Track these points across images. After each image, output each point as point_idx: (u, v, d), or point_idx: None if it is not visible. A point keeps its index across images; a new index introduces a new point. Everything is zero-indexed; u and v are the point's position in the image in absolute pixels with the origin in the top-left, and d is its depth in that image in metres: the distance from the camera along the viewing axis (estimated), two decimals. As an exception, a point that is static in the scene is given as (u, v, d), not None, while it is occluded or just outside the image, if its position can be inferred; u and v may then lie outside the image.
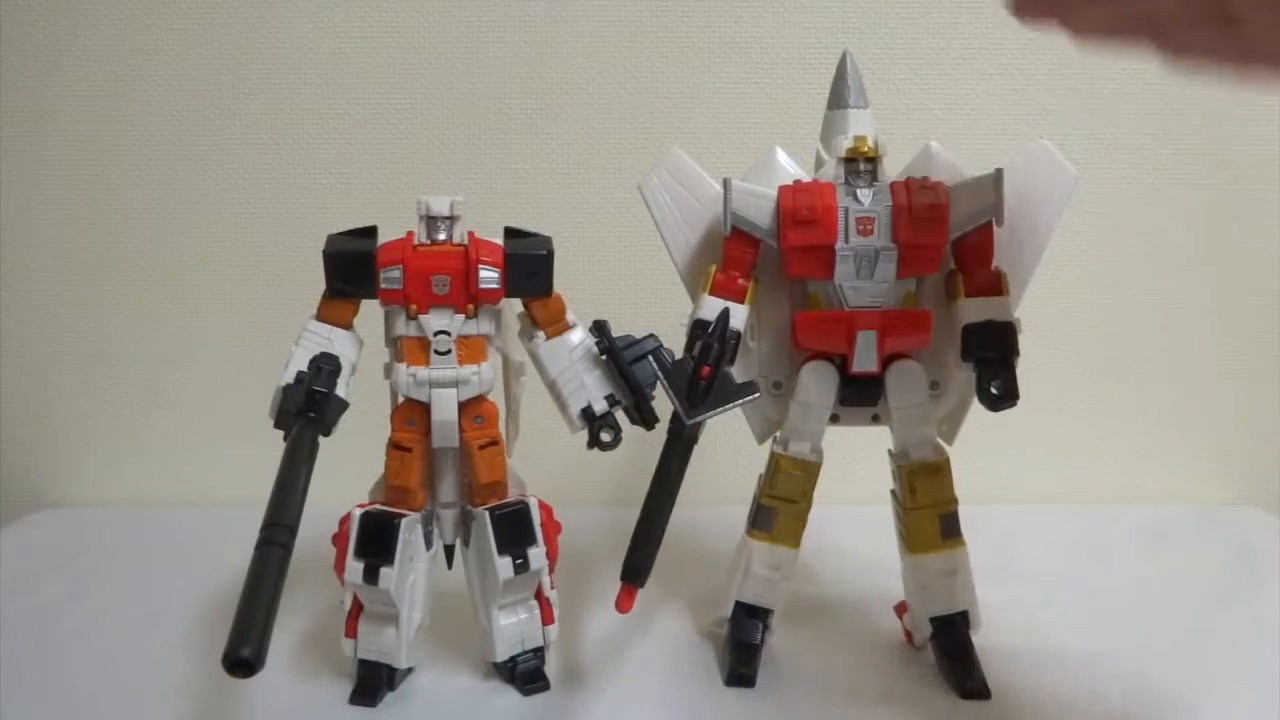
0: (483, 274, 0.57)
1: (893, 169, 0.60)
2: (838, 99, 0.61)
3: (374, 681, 0.59)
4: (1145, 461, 0.95)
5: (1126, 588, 0.75)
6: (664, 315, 0.61)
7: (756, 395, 0.57)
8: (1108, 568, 0.79)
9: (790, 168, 0.62)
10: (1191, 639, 0.66)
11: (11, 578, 0.77)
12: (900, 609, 0.65)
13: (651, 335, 0.59)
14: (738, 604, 0.62)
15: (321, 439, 0.52)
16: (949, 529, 0.60)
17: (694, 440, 0.56)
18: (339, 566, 0.58)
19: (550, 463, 0.65)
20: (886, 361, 0.59)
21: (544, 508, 0.61)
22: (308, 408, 0.53)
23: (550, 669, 0.62)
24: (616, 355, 0.58)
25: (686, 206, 0.62)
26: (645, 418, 0.60)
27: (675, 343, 0.59)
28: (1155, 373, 0.94)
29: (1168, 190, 0.91)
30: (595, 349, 0.59)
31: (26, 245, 0.92)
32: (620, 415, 0.60)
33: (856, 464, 0.64)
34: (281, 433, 0.52)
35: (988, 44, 0.88)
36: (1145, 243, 0.92)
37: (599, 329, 0.59)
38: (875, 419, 0.62)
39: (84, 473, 0.97)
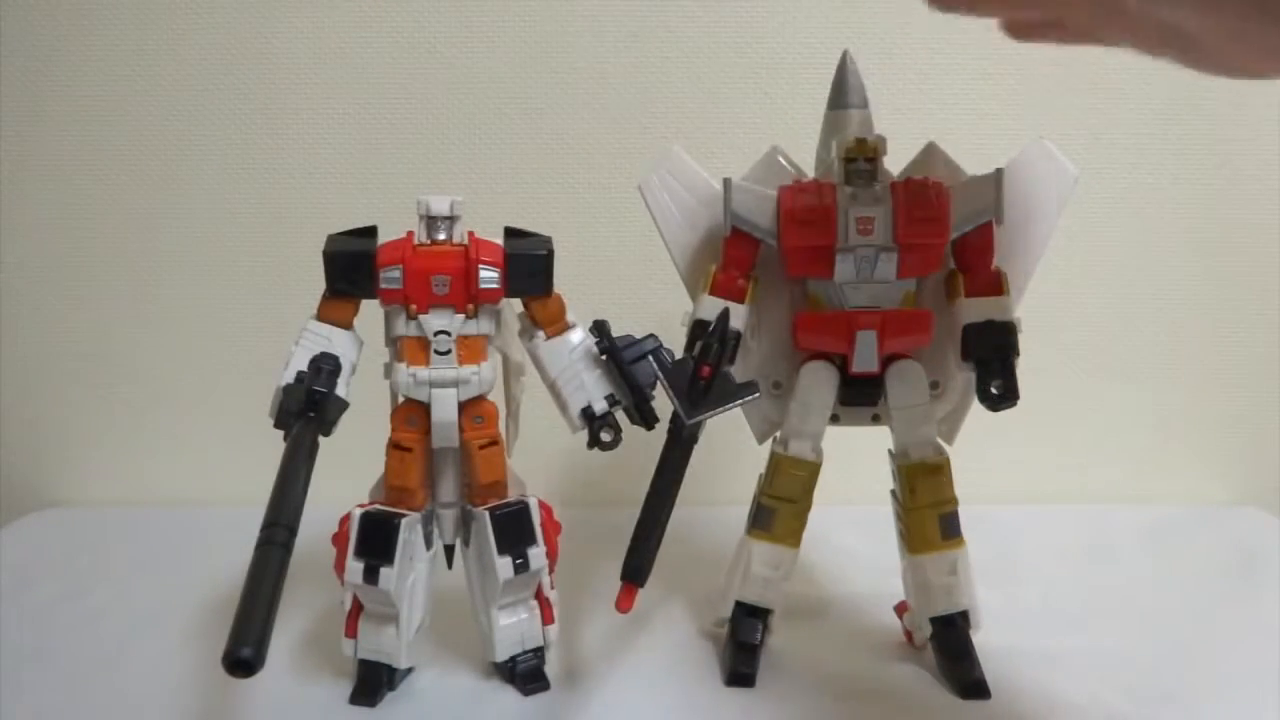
0: (483, 274, 0.57)
1: (893, 168, 0.60)
2: (838, 99, 0.61)
3: (374, 681, 0.59)
4: (1145, 461, 0.95)
5: (1126, 588, 0.75)
6: (664, 315, 0.61)
7: (757, 395, 0.57)
8: (1108, 568, 0.79)
9: (790, 168, 0.62)
10: (1191, 639, 0.66)
11: (11, 578, 0.77)
12: (900, 609, 0.65)
13: (651, 335, 0.59)
14: (738, 604, 0.62)
15: (321, 439, 0.52)
16: (949, 529, 0.60)
17: (694, 440, 0.56)
18: (339, 566, 0.58)
19: (550, 463, 0.65)
20: (887, 361, 0.59)
21: (544, 508, 0.61)
22: (308, 407, 0.53)
23: (550, 669, 0.62)
24: (616, 355, 0.58)
25: (686, 206, 0.62)
26: (645, 418, 0.60)
27: (675, 343, 0.59)
28: (1155, 372, 0.94)
29: (1168, 190, 0.91)
30: (595, 349, 0.59)
31: (26, 245, 0.92)
32: (620, 415, 0.60)
33: (856, 464, 0.64)
34: (281, 433, 0.52)
35: (988, 43, 0.87)
36: (1145, 242, 0.92)
37: (599, 329, 0.59)
38: (875, 419, 0.62)
39: (84, 473, 0.97)
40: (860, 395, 0.60)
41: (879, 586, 0.68)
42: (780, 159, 0.62)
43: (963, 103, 0.88)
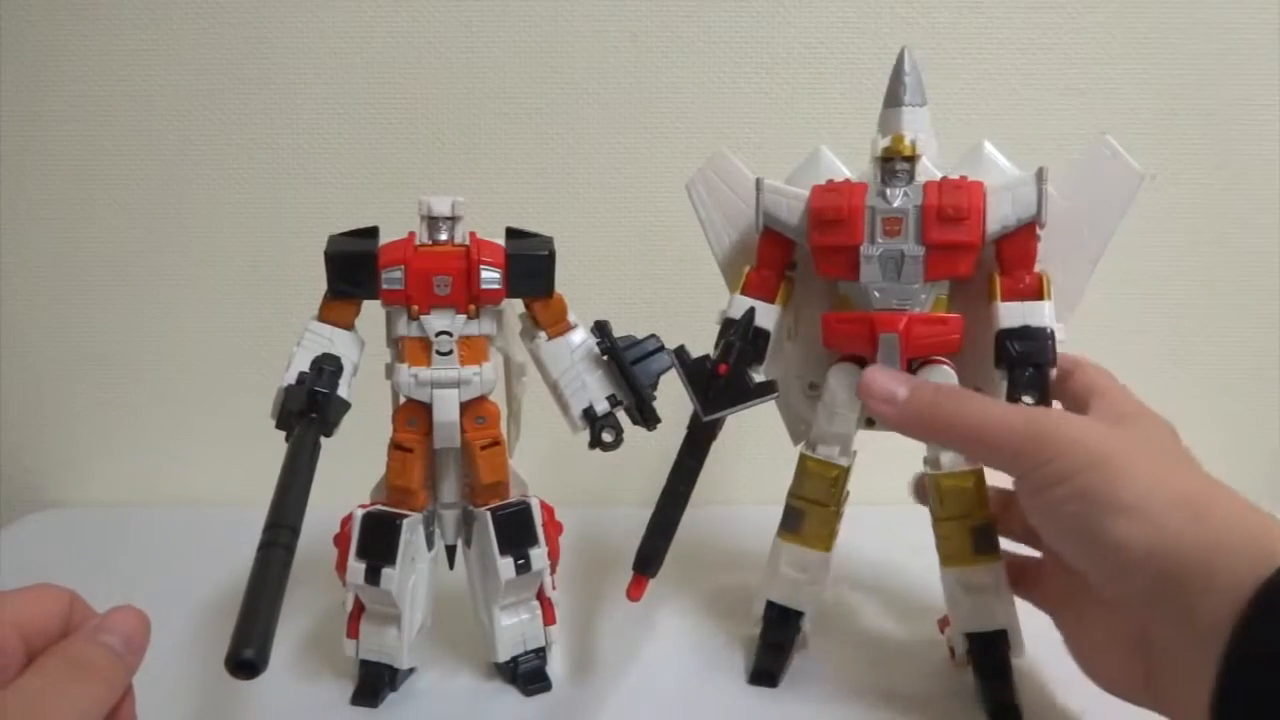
0: (484, 274, 0.57)
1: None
2: (892, 96, 0.58)
3: (375, 682, 0.59)
4: (1145, 461, 0.95)
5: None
6: (665, 315, 0.61)
7: (775, 395, 0.56)
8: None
9: (835, 168, 0.60)
10: (1192, 639, 0.66)
11: (11, 578, 0.77)
12: (943, 624, 0.62)
13: (653, 335, 0.59)
14: (769, 604, 0.61)
15: (323, 440, 0.52)
16: (983, 543, 0.56)
17: (712, 437, 0.56)
18: (340, 567, 0.58)
19: (551, 463, 0.65)
20: (920, 366, 0.57)
21: (545, 508, 0.61)
22: (309, 408, 0.53)
23: (552, 669, 0.62)
24: (618, 355, 0.58)
25: (730, 206, 0.61)
26: (646, 418, 0.59)
27: (675, 343, 0.59)
28: (1155, 372, 0.94)
29: (1168, 190, 0.91)
30: (597, 349, 0.59)
31: (26, 245, 0.92)
32: (622, 416, 0.60)
33: (907, 465, 0.62)
34: (283, 433, 0.52)
35: (988, 44, 0.88)
36: (1145, 242, 0.92)
37: (600, 329, 0.59)
38: None
39: (84, 473, 0.97)
40: None
41: (929, 598, 0.65)
42: (825, 159, 0.60)
43: (963, 103, 0.88)
